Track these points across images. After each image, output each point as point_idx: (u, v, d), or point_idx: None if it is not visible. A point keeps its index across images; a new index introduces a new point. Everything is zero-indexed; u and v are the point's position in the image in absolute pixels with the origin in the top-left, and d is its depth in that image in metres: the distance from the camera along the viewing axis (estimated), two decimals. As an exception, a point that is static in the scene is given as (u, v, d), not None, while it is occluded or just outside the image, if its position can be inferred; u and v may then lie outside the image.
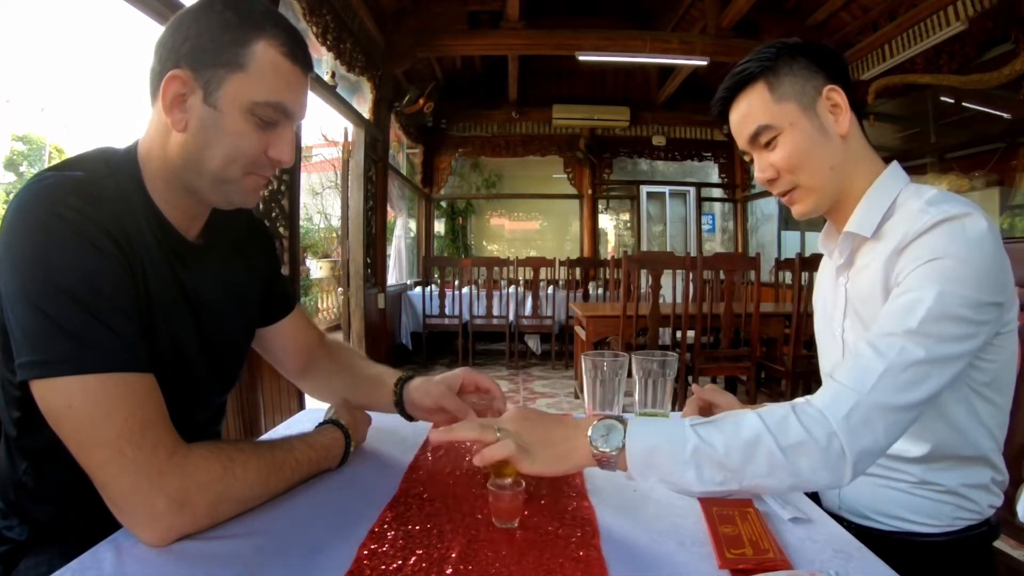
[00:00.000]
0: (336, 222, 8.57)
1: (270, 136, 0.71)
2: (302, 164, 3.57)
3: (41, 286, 0.59)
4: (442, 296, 5.31)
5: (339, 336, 4.73)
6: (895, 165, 0.84)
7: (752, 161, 0.88)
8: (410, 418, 0.94)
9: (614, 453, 0.63)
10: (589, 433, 0.64)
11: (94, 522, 0.62)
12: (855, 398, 0.63)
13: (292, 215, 2.91)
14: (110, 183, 0.67)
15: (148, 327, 0.67)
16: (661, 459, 0.62)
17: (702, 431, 0.63)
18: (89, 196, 0.63)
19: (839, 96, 0.81)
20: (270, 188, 2.73)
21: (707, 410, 0.94)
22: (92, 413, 0.58)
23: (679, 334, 3.33)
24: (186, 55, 0.67)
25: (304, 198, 7.83)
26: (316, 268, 8.35)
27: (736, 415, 0.65)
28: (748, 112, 0.84)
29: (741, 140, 0.87)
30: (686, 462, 0.62)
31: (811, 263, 3.21)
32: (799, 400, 0.67)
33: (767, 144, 0.83)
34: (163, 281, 0.71)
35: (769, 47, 0.83)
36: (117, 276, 0.63)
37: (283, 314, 0.97)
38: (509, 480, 0.66)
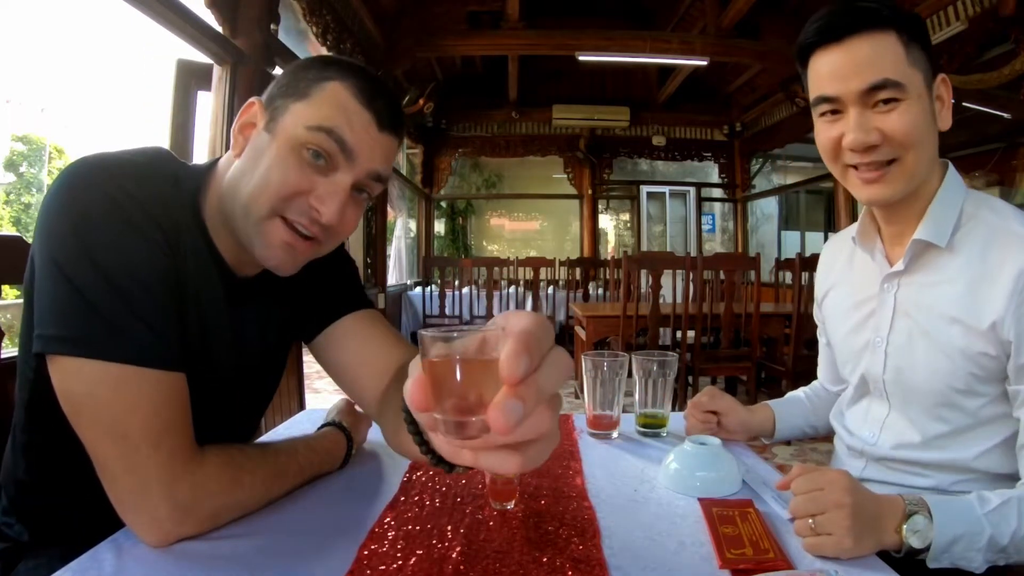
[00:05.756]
0: (336, 222, 8.56)
1: (319, 180, 0.65)
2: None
3: (76, 260, 0.56)
4: (442, 296, 5.31)
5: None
6: (953, 169, 0.80)
7: (832, 113, 0.76)
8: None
9: (922, 549, 0.63)
10: (904, 534, 0.62)
11: (93, 523, 0.62)
12: None
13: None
14: (171, 190, 0.65)
15: (182, 324, 0.64)
16: (958, 549, 0.63)
17: (993, 520, 0.64)
18: (144, 182, 0.62)
19: (947, 90, 0.74)
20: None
21: (709, 422, 0.93)
22: (115, 405, 0.56)
23: (679, 334, 3.33)
24: (269, 90, 0.68)
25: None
26: (316, 268, 8.35)
27: (1020, 499, 0.65)
28: (874, 58, 0.71)
29: (850, 84, 0.72)
30: (978, 550, 0.63)
31: (811, 263, 3.20)
32: None
33: (884, 102, 0.71)
34: (207, 280, 0.68)
35: (887, 2, 0.71)
36: (160, 268, 0.60)
37: (341, 310, 0.80)
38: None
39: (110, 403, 0.56)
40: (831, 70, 0.74)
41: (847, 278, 0.93)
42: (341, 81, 0.65)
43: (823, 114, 0.77)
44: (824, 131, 0.78)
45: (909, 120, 0.71)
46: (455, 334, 0.35)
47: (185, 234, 0.66)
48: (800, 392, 1.07)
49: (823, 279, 1.00)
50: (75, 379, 0.56)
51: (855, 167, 0.76)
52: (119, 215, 0.58)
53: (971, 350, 0.73)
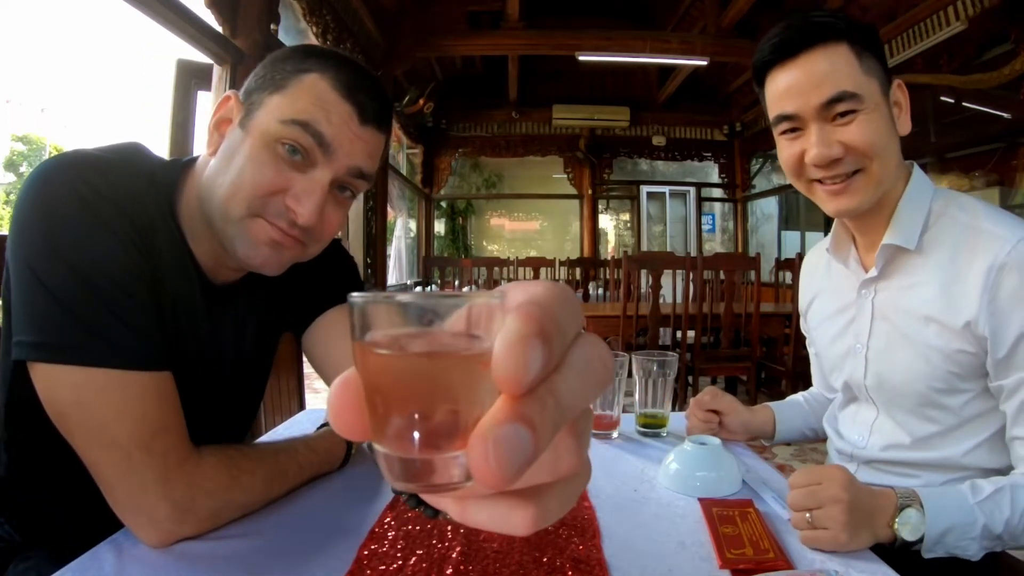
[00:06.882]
0: (336, 222, 8.57)
1: (295, 177, 0.61)
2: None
3: (47, 260, 0.55)
4: (442, 296, 5.31)
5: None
6: (919, 170, 0.80)
7: (792, 131, 0.76)
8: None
9: (914, 541, 0.63)
10: (896, 528, 0.62)
11: (79, 521, 0.61)
12: None
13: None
14: (145, 188, 0.63)
15: (162, 322, 0.62)
16: (952, 538, 0.63)
17: (986, 508, 0.64)
18: (116, 179, 0.59)
19: (903, 95, 0.75)
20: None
21: (711, 421, 0.93)
22: (103, 412, 0.55)
23: (679, 334, 3.33)
24: (247, 83, 0.65)
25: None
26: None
27: (1012, 487, 0.66)
28: (830, 72, 0.71)
29: (809, 100, 0.72)
30: (972, 539, 0.63)
31: (811, 263, 3.20)
32: None
33: (842, 115, 0.72)
34: (182, 284, 0.66)
35: (840, 15, 0.73)
36: (134, 266, 0.59)
37: (326, 303, 0.78)
38: None
39: (96, 410, 0.54)
40: (788, 87, 0.74)
41: (827, 286, 0.94)
42: (320, 73, 0.62)
43: (784, 132, 0.78)
44: (786, 148, 0.78)
45: (870, 130, 0.72)
46: (417, 301, 0.20)
47: (160, 232, 0.63)
48: (800, 396, 1.08)
49: (806, 291, 1.01)
50: (59, 387, 0.55)
51: (820, 181, 0.77)
52: (89, 212, 0.56)
53: (948, 349, 0.74)
